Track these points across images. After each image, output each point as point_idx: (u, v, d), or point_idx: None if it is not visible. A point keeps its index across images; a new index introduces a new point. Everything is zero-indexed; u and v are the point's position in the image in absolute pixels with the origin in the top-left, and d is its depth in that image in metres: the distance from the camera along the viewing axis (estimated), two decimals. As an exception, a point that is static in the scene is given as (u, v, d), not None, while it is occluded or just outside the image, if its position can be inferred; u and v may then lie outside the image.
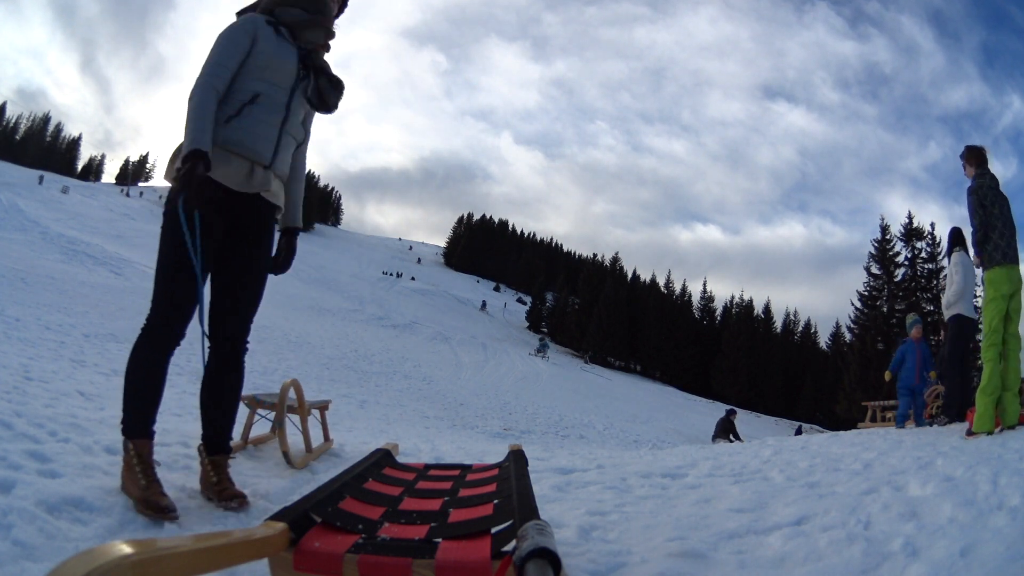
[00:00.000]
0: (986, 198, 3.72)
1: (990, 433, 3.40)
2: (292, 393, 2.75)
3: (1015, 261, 3.61)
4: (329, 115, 2.02)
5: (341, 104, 2.00)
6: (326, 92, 1.93)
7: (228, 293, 1.86)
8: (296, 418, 2.81)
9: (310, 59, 1.91)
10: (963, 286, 4.55)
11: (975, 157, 3.87)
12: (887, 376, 5.49)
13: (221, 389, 1.91)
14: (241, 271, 1.86)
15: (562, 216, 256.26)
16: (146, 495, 1.60)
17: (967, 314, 4.60)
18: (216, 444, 1.89)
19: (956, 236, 4.84)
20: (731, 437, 11.55)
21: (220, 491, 1.80)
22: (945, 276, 4.96)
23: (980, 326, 4.43)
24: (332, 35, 1.98)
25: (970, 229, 3.81)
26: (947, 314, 4.63)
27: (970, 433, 3.52)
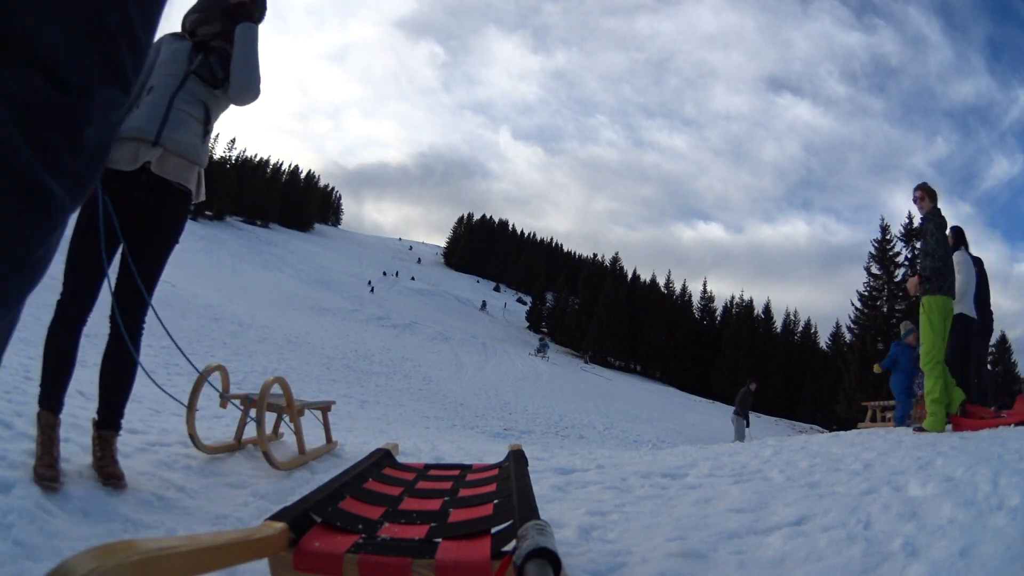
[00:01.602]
0: (945, 237, 4.25)
1: (940, 431, 3.92)
2: (279, 390, 2.66)
3: (951, 294, 4.21)
4: (243, 103, 2.11)
5: (251, 87, 2.08)
6: (214, 66, 2.06)
7: (129, 276, 1.88)
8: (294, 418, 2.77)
9: (206, 46, 2.08)
10: (965, 286, 4.54)
11: (932, 194, 4.34)
12: (876, 368, 5.63)
13: (117, 368, 1.95)
14: (139, 253, 1.90)
15: (562, 214, 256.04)
16: (36, 464, 1.66)
17: (969, 314, 4.60)
18: (106, 420, 1.92)
19: (957, 235, 4.83)
20: (742, 413, 11.15)
21: (101, 467, 1.82)
22: None
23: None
24: (230, 18, 2.08)
25: (925, 254, 4.34)
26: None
27: (919, 429, 4.05)
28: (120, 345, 1.90)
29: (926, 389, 4.15)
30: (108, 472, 1.79)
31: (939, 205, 4.38)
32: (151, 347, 8.22)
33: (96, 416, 1.92)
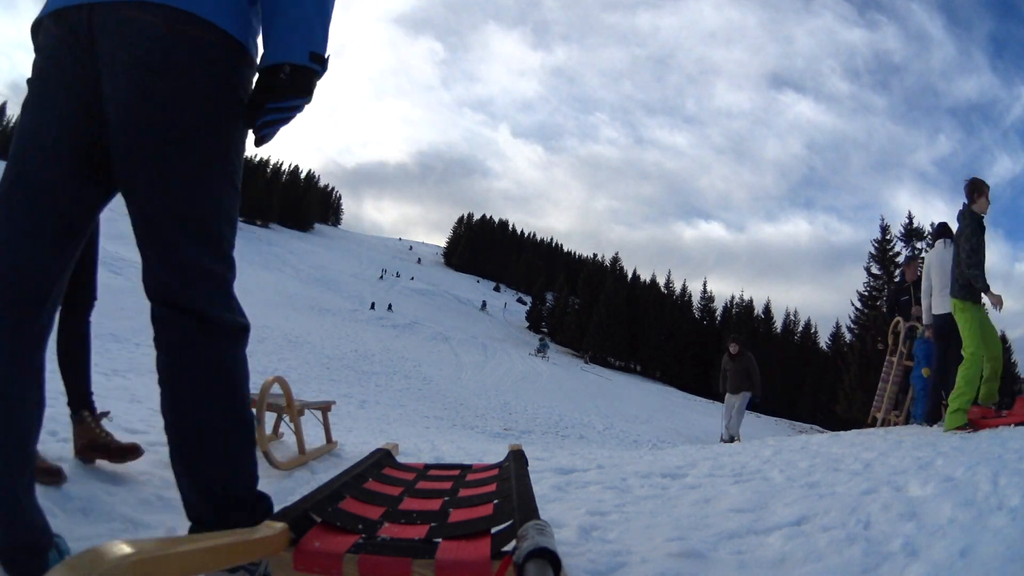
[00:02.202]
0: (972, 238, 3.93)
1: (961, 428, 3.83)
2: (278, 390, 2.65)
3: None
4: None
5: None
6: None
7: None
8: (295, 418, 2.77)
9: None
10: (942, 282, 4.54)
11: (982, 190, 4.03)
12: (926, 372, 5.46)
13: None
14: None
15: (563, 212, 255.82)
16: (36, 463, 1.66)
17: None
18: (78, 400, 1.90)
19: (942, 230, 4.86)
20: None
21: (103, 446, 1.81)
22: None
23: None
24: None
25: (966, 250, 3.97)
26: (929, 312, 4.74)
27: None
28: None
29: (958, 391, 3.96)
30: (117, 447, 1.80)
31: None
32: (150, 347, 8.22)
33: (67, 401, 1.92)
